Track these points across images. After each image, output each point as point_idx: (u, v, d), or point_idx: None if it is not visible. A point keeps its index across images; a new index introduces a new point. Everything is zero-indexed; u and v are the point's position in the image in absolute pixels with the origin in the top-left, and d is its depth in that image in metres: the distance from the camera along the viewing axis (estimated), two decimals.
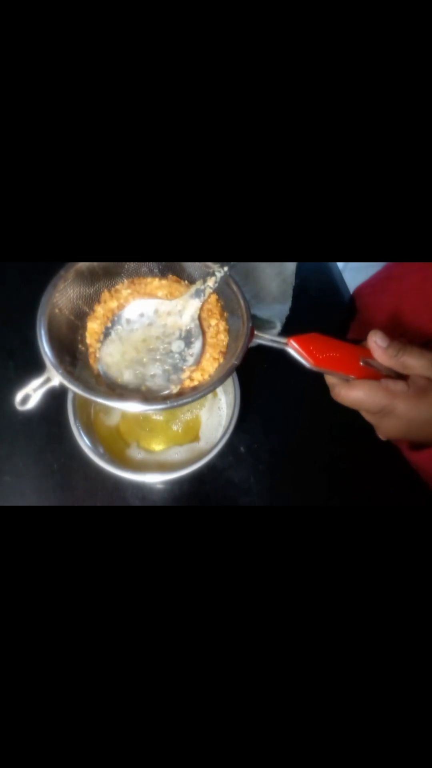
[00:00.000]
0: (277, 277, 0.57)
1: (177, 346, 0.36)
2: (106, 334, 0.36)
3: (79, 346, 0.36)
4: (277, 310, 0.56)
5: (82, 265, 0.35)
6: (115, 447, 0.49)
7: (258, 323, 0.54)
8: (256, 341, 0.34)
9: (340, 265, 0.68)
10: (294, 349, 0.33)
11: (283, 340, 0.34)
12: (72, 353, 0.36)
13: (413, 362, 0.31)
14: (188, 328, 0.36)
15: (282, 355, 0.35)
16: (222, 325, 0.37)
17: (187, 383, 0.35)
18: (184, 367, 0.35)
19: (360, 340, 0.35)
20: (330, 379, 0.34)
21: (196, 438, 0.50)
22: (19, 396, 0.33)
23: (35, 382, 0.32)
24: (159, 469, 0.45)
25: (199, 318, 0.36)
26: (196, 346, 0.36)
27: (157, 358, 0.35)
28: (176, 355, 0.36)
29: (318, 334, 0.34)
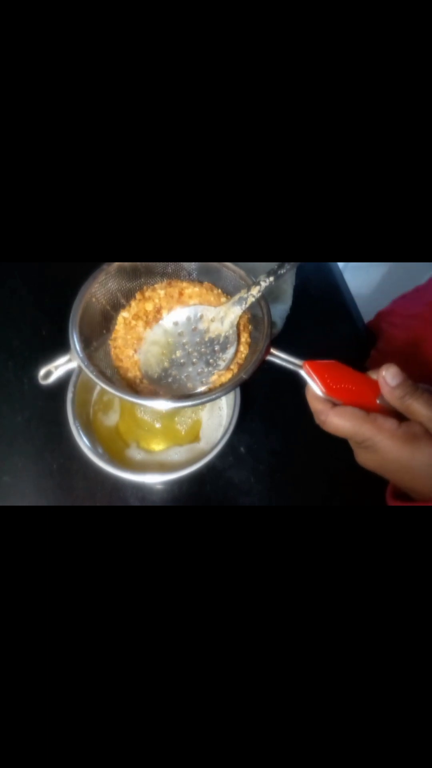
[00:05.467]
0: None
1: (214, 350, 0.37)
2: (153, 332, 0.37)
3: (109, 340, 0.38)
4: (278, 310, 0.56)
5: (126, 263, 0.37)
6: (114, 447, 0.49)
7: None
8: (271, 359, 0.34)
9: (340, 265, 0.68)
10: (308, 374, 0.32)
11: (298, 362, 0.33)
12: (99, 341, 0.37)
13: (419, 409, 0.30)
14: (227, 334, 0.37)
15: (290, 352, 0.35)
16: (244, 337, 0.38)
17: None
18: (215, 372, 0.36)
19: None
20: (315, 405, 0.33)
21: (196, 438, 0.50)
22: (42, 371, 0.36)
23: (59, 360, 0.35)
24: (159, 470, 0.45)
25: (237, 326, 0.37)
26: (230, 352, 0.36)
27: (193, 361, 0.37)
28: (211, 360, 0.37)
29: (337, 363, 0.33)
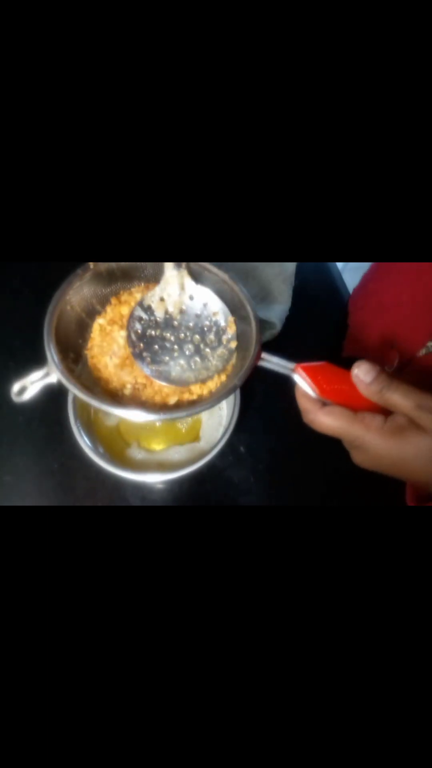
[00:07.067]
0: (277, 278, 0.57)
1: (205, 335, 0.35)
2: (140, 331, 0.35)
3: (85, 350, 0.36)
4: (277, 311, 0.56)
5: (101, 266, 0.35)
6: (115, 447, 0.49)
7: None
8: (262, 364, 0.33)
9: (339, 265, 0.68)
10: (301, 377, 0.32)
11: (290, 365, 0.33)
12: (77, 352, 0.36)
13: (399, 401, 0.29)
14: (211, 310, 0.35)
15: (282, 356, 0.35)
16: (232, 343, 0.36)
17: (186, 396, 0.34)
18: (220, 352, 0.35)
19: (354, 357, 0.33)
20: (304, 404, 0.32)
21: (196, 438, 0.50)
22: (16, 386, 0.32)
23: (34, 375, 0.32)
24: (159, 469, 0.45)
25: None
26: (225, 328, 0.35)
27: (186, 353, 0.35)
28: (207, 347, 0.35)
29: (328, 364, 0.33)
